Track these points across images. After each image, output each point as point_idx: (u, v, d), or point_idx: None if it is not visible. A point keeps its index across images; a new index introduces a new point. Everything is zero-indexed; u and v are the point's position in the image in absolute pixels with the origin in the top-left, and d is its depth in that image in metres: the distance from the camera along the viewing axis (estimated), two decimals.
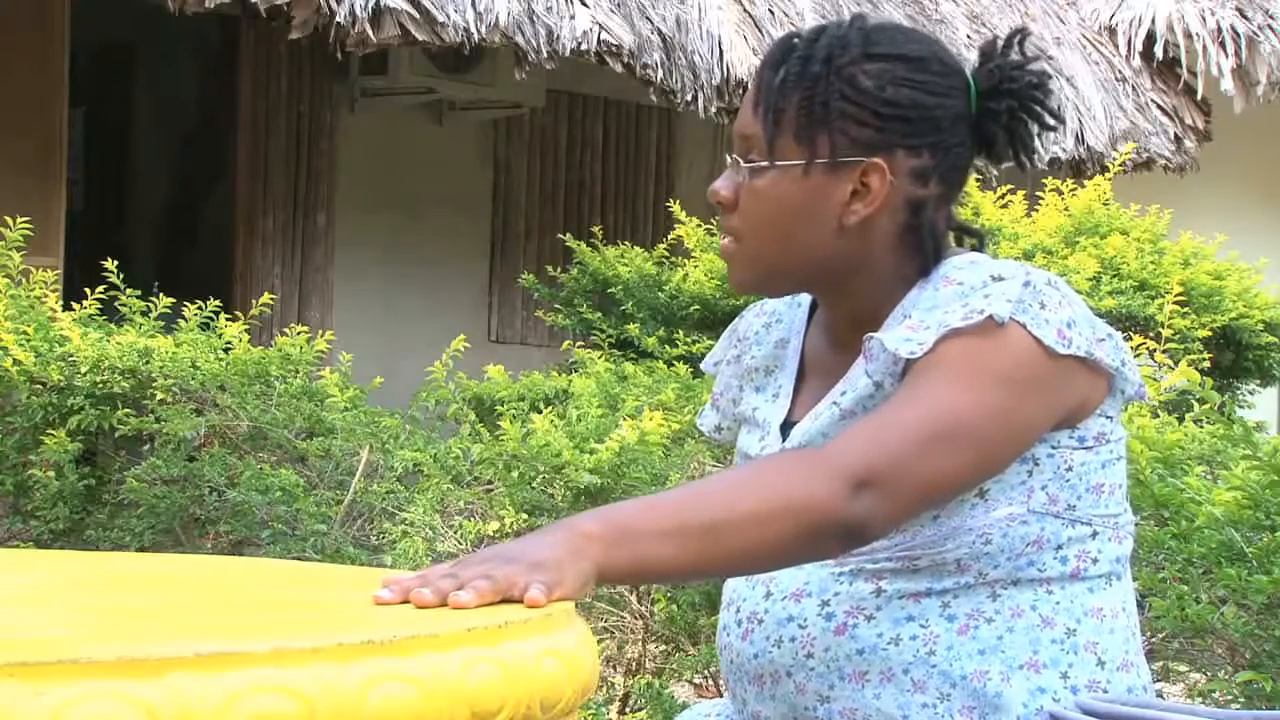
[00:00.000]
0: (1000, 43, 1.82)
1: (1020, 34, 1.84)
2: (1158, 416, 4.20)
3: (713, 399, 1.98)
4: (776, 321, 1.92)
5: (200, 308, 5.05)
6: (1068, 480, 1.72)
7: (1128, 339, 4.17)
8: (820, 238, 1.74)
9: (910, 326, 1.68)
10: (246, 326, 5.08)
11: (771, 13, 7.03)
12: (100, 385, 4.70)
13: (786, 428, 1.82)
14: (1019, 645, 1.71)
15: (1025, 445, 1.68)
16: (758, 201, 1.75)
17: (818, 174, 1.73)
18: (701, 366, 2.06)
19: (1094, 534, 1.74)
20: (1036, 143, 1.84)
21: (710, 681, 4.15)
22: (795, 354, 1.87)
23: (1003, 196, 6.53)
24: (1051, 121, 1.82)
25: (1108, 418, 1.75)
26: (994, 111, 1.78)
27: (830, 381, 1.79)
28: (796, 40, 1.78)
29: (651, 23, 6.46)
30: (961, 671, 1.70)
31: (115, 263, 4.97)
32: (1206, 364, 6.11)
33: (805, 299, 1.90)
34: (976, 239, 1.86)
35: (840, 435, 1.66)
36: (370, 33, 5.66)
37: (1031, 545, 1.71)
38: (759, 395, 1.89)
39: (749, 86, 1.80)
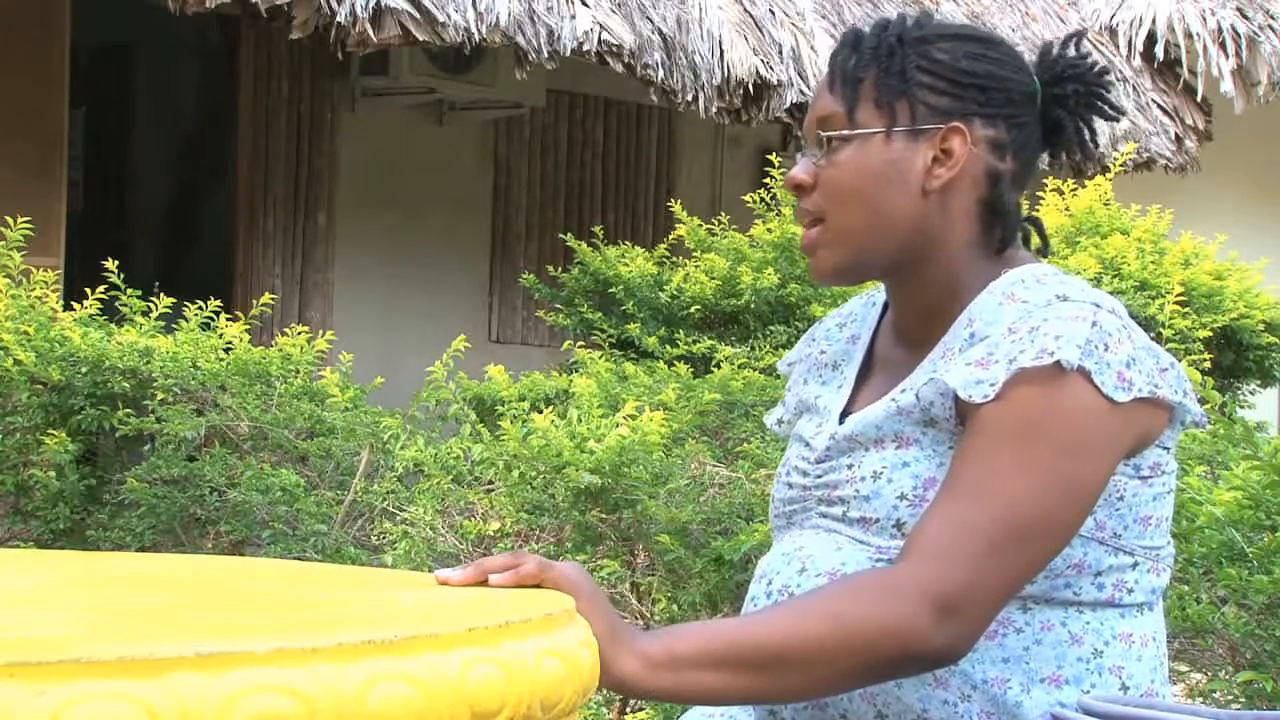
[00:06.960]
0: (1057, 42, 1.86)
1: (1076, 36, 1.88)
2: None
3: (784, 398, 2.00)
4: (850, 320, 1.94)
5: (200, 308, 5.05)
6: (1117, 509, 1.71)
7: None
8: (904, 204, 1.75)
9: (980, 362, 1.67)
10: (247, 326, 5.08)
11: (772, 13, 7.03)
12: (100, 385, 4.70)
13: (844, 417, 1.83)
14: (1044, 658, 1.70)
15: (1092, 505, 1.68)
16: (840, 173, 1.76)
17: (899, 140, 1.75)
18: (777, 366, 2.09)
19: (1134, 564, 1.73)
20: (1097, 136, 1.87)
21: None
22: (863, 348, 1.89)
23: None
24: (1112, 113, 1.85)
25: (1164, 448, 1.74)
26: (1061, 96, 1.82)
27: (894, 376, 1.80)
28: (865, 28, 1.81)
29: (652, 23, 6.45)
30: (983, 676, 1.70)
31: (115, 263, 4.97)
32: (1207, 364, 6.11)
33: (879, 299, 1.91)
34: (1041, 240, 1.88)
35: (911, 550, 1.63)
36: (370, 33, 5.66)
37: (1071, 568, 1.70)
38: (824, 386, 1.90)
39: (824, 74, 1.82)
